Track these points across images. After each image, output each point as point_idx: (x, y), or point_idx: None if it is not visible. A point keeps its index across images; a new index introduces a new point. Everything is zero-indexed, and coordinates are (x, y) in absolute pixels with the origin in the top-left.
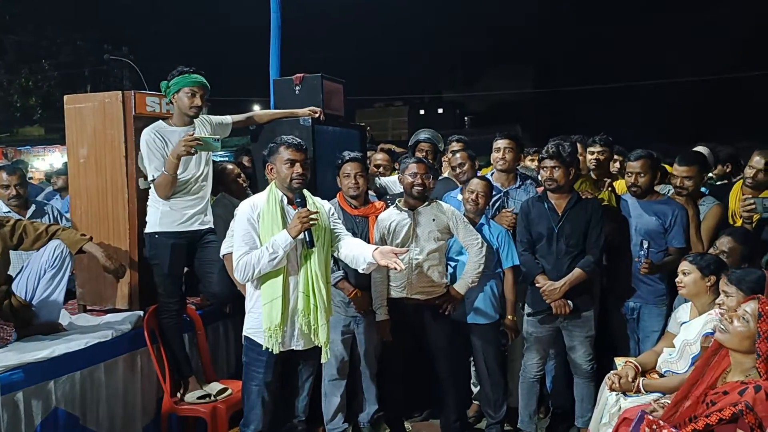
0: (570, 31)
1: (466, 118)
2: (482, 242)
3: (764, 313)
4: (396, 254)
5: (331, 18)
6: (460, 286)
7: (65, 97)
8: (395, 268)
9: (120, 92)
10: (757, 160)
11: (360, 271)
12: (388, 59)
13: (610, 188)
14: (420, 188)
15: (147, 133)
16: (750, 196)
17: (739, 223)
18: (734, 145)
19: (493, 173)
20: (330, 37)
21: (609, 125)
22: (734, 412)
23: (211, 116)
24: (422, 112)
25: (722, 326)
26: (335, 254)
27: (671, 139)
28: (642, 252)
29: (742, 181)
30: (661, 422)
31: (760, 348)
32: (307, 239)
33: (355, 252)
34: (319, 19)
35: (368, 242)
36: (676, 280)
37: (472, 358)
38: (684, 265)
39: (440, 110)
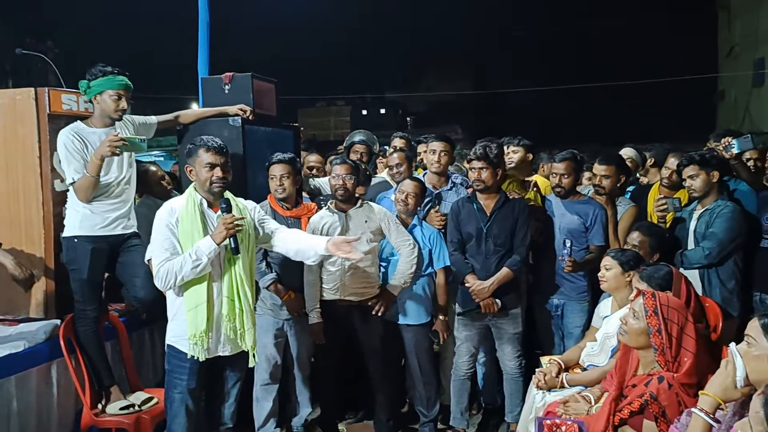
0: (509, 33)
1: (408, 118)
2: (414, 243)
3: (650, 307)
4: (349, 243)
5: (272, 18)
6: (393, 287)
7: None
8: (352, 259)
9: (32, 89)
10: (671, 162)
11: (308, 263)
12: (331, 59)
13: (535, 188)
14: (342, 191)
15: (65, 135)
16: (664, 196)
17: (655, 221)
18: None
19: (425, 174)
20: (271, 37)
21: (548, 126)
22: (641, 403)
23: (134, 116)
24: (365, 111)
25: (622, 329)
26: (274, 249)
27: (603, 140)
28: (565, 251)
29: (659, 182)
30: (557, 420)
31: (654, 341)
32: (233, 245)
33: (302, 245)
34: (259, 18)
35: None
36: (599, 274)
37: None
38: (606, 260)
39: (382, 110)
